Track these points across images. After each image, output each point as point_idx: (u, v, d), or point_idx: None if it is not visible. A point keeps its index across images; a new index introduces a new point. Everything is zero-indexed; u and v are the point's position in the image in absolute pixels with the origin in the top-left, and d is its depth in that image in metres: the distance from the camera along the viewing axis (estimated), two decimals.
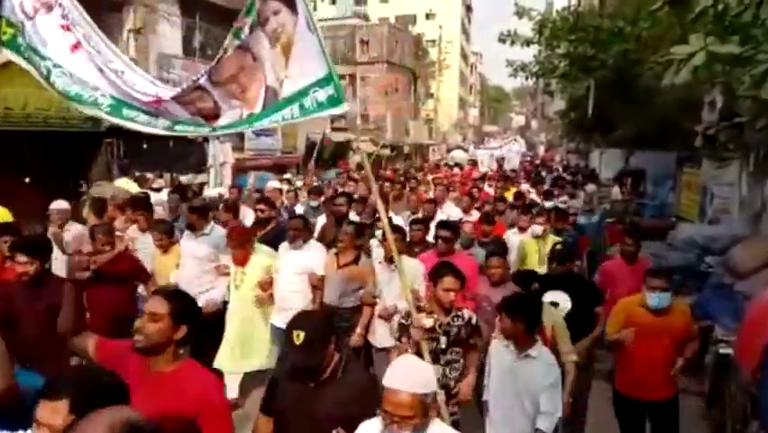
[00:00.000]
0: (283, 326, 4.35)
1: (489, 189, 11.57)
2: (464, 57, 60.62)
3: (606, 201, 12.71)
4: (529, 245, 6.36)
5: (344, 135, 23.82)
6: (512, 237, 6.80)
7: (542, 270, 5.34)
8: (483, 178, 13.87)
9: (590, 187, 13.79)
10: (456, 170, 18.80)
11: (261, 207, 6.64)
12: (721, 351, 4.77)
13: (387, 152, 27.31)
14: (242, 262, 5.09)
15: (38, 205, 7.80)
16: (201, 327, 2.50)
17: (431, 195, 9.52)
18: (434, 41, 45.82)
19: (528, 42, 9.15)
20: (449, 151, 35.18)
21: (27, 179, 8.80)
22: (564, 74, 10.26)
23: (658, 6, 3.81)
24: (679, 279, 6.35)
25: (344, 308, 4.91)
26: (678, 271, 6.41)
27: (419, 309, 3.68)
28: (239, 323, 5.07)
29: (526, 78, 10.87)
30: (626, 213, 10.90)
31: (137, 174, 10.08)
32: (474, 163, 20.80)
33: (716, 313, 5.33)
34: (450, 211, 7.77)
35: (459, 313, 3.77)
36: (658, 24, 6.90)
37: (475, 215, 7.83)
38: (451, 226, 5.36)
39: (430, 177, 15.33)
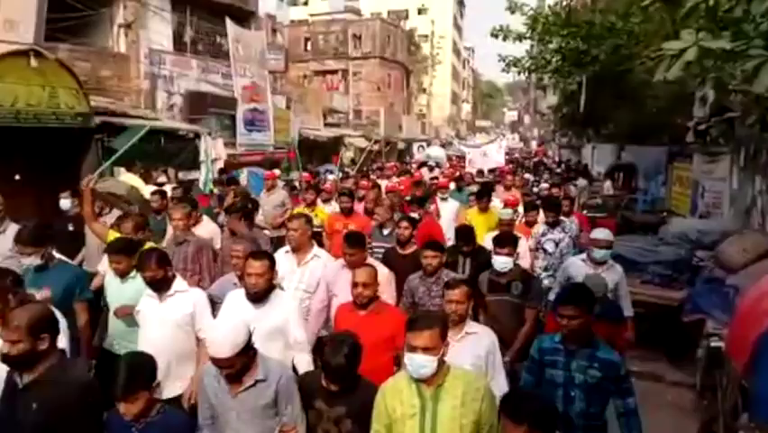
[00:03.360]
0: None
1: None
2: (457, 52, 60.52)
3: (598, 196, 12.75)
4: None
5: (337, 131, 23.75)
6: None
7: None
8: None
9: (581, 182, 13.85)
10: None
11: None
12: (713, 344, 4.78)
13: (377, 147, 27.19)
14: None
15: (28, 202, 7.74)
16: None
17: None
18: (426, 36, 45.73)
19: (521, 38, 9.17)
20: (443, 145, 34.94)
21: (17, 177, 8.70)
22: (557, 69, 10.30)
23: (650, 2, 3.81)
24: (670, 273, 6.42)
25: None
26: (669, 265, 6.47)
27: None
28: None
29: (519, 74, 10.89)
30: (617, 207, 10.95)
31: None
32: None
33: (707, 307, 5.36)
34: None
35: None
36: (650, 20, 6.92)
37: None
38: None
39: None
